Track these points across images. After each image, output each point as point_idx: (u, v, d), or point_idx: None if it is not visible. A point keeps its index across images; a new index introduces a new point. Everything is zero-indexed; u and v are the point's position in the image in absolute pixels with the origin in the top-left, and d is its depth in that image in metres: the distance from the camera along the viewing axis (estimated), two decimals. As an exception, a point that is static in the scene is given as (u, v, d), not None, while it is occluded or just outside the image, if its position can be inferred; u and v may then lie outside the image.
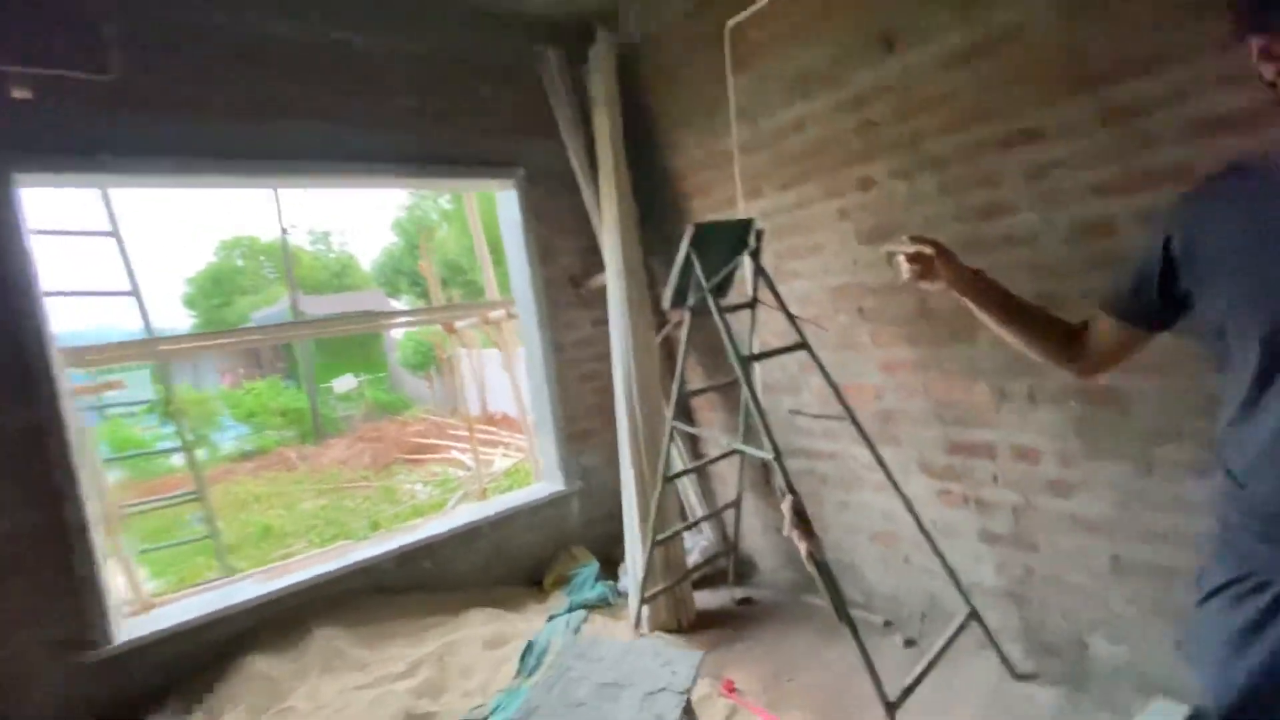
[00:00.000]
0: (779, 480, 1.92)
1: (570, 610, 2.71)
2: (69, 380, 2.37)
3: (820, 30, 2.34)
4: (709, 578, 3.03)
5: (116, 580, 2.65)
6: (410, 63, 2.85)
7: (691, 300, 2.18)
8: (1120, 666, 1.91)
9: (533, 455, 4.71)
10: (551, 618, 2.67)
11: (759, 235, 2.31)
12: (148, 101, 2.26)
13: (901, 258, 1.21)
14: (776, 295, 2.26)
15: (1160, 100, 1.62)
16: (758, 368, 2.82)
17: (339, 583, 2.65)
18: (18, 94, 2.03)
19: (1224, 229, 0.85)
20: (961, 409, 2.19)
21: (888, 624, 2.51)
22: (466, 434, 10.18)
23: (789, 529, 1.84)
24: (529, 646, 2.44)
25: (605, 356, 3.47)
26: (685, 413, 3.31)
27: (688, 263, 2.11)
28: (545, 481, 3.45)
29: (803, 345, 2.22)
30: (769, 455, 1.94)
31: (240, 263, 29.23)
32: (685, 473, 2.55)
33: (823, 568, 1.81)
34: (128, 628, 2.30)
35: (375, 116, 2.76)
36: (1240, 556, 0.86)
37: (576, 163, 3.24)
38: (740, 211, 2.78)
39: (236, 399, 13.23)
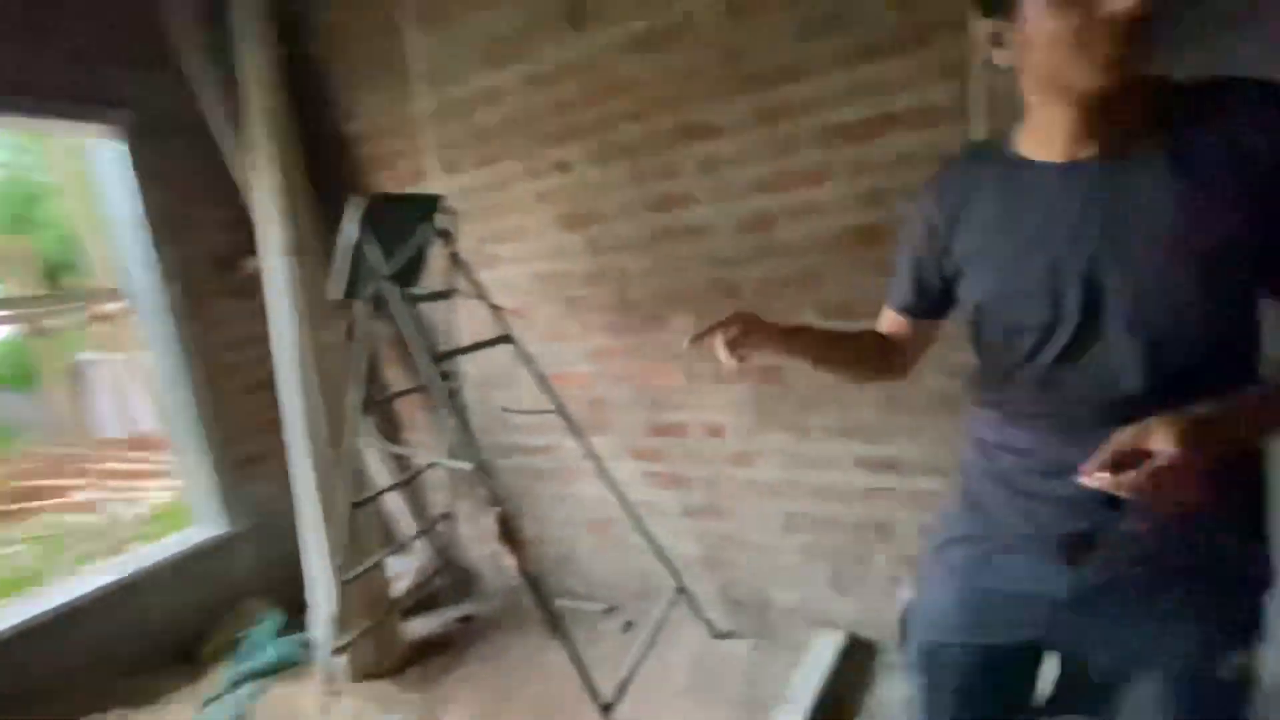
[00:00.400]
0: (485, 492, 1.71)
1: (235, 685, 2.14)
2: None
3: (507, -6, 2.15)
4: (426, 601, 2.71)
5: None
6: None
7: (369, 289, 1.82)
8: (794, 609, 2.18)
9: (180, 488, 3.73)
10: (207, 701, 2.07)
11: (450, 214, 2.04)
12: None
13: (721, 351, 0.97)
14: (475, 283, 2.03)
15: (803, 106, 1.81)
16: (469, 363, 2.56)
17: None
18: None
19: (977, 217, 0.85)
20: (661, 392, 2.26)
21: (609, 610, 2.52)
22: (102, 467, 7.84)
23: (495, 544, 1.66)
24: (167, 754, 1.84)
25: (278, 359, 2.85)
26: (387, 421, 2.90)
27: (358, 244, 1.74)
28: (199, 524, 2.70)
29: (507, 338, 2.04)
30: (468, 466, 1.72)
31: None
32: (375, 496, 2.19)
33: (531, 579, 1.67)
34: None
35: None
36: (984, 518, 0.91)
37: (213, 111, 2.53)
38: (435, 187, 2.46)
39: None
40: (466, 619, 2.61)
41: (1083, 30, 0.66)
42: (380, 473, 2.67)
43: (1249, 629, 0.81)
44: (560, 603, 2.56)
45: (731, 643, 2.23)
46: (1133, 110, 0.72)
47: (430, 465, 2.28)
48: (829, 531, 2.06)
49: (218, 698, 2.09)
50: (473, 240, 2.40)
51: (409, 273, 2.04)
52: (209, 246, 2.63)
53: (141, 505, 5.32)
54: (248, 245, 2.69)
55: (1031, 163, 0.79)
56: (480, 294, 2.03)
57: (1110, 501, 0.68)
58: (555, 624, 1.68)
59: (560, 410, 2.08)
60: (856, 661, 1.99)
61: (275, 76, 2.48)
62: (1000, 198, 0.82)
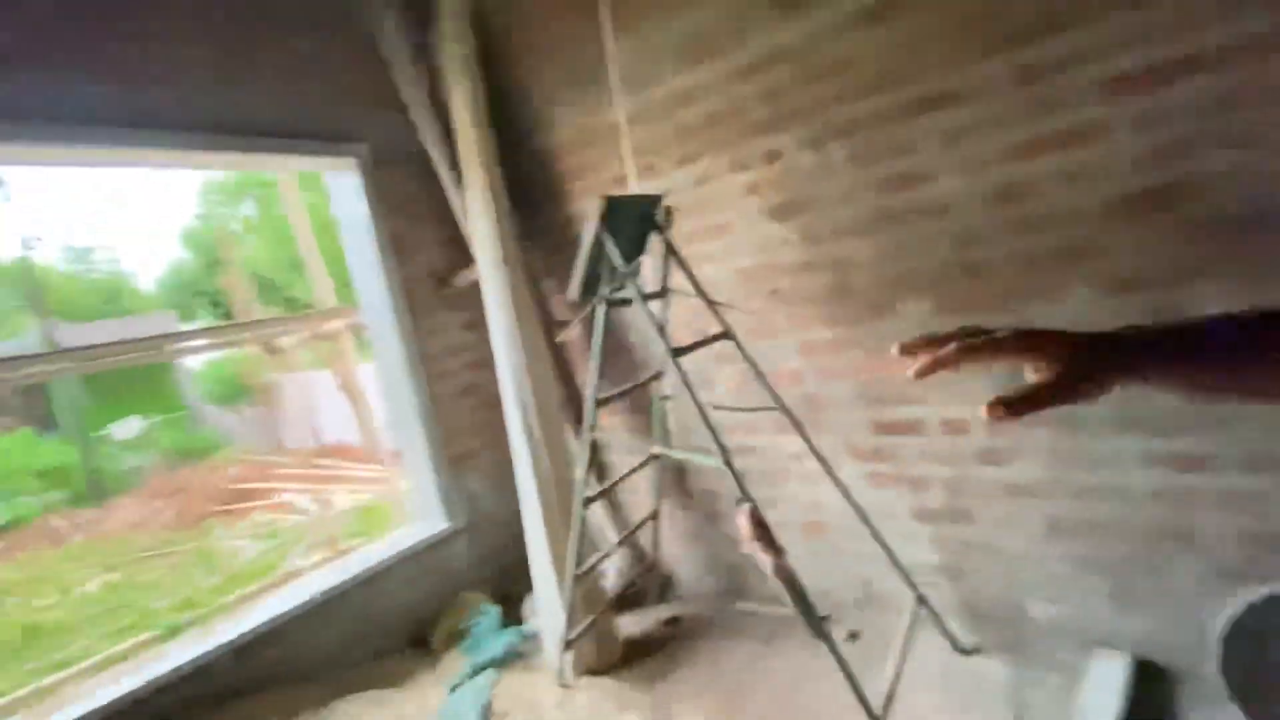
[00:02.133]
0: (734, 488, 1.67)
1: (474, 673, 2.25)
2: None
3: (712, -12, 2.14)
4: (627, 601, 2.73)
5: None
6: (203, 2, 2.19)
7: (605, 289, 1.85)
8: (1059, 626, 1.94)
9: (392, 490, 4.06)
10: (453, 688, 2.19)
11: (668, 212, 2.05)
12: None
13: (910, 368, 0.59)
14: (694, 281, 2.01)
15: (1070, 59, 1.61)
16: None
17: (160, 697, 1.95)
18: None
19: None
20: (885, 387, 2.11)
21: (825, 619, 2.39)
22: (299, 472, 8.87)
23: (749, 542, 1.60)
24: (432, 733, 1.96)
25: (483, 364, 3.02)
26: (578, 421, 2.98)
27: (599, 244, 1.78)
28: (422, 521, 2.90)
29: (727, 334, 2.00)
30: (717, 461, 1.68)
31: (-40, 290, 23.23)
32: (608, 490, 2.22)
33: (791, 581, 1.59)
34: None
35: (160, 69, 2.07)
36: None
37: (429, 137, 2.74)
38: (633, 191, 2.50)
39: (-32, 463, 10.28)
40: (673, 621, 2.59)
41: None
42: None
43: None
44: (772, 609, 2.47)
45: (979, 659, 2.02)
46: None
47: (651, 459, 2.28)
48: (1108, 538, 1.80)
49: (460, 684, 2.20)
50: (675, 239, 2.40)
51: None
52: (427, 263, 2.84)
53: (339, 506, 5.90)
54: (459, 261, 2.90)
55: None
56: (700, 291, 2.01)
57: None
58: (819, 630, 1.59)
59: (783, 408, 2.00)
60: (1153, 690, 1.72)
61: (480, 105, 2.66)
62: None
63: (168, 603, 4.60)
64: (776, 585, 1.61)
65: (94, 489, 10.43)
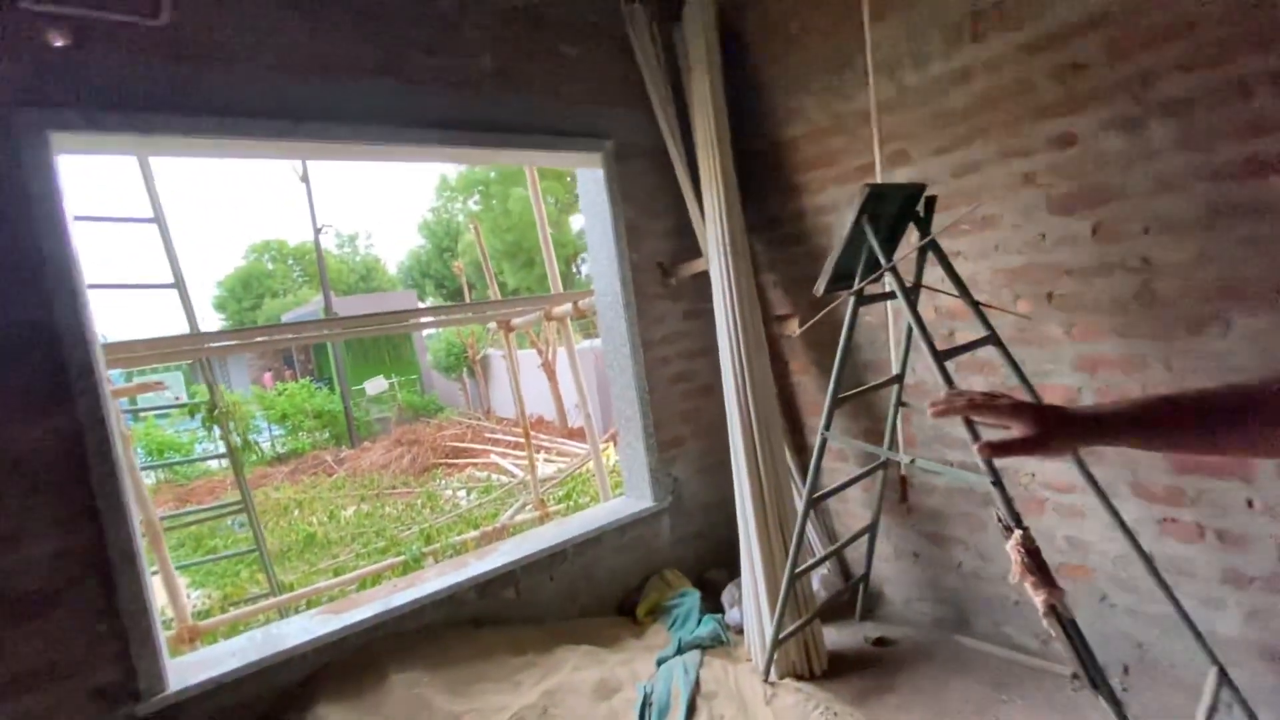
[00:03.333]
0: (999, 512, 1.50)
1: (680, 651, 2.32)
2: (110, 382, 2.04)
3: (1001, -45, 1.93)
4: (830, 612, 2.61)
5: (157, 600, 2.32)
6: (487, 18, 2.49)
7: (859, 281, 1.77)
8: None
9: (598, 467, 4.35)
10: (660, 660, 2.28)
11: (930, 203, 1.90)
12: (197, 51, 1.92)
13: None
14: (956, 277, 1.84)
15: None
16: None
17: (415, 616, 2.29)
18: (56, 40, 1.70)
19: None
20: (1197, 417, 1.75)
21: (1075, 676, 2.07)
22: (503, 437, 9.91)
23: (1018, 575, 1.43)
24: (645, 700, 2.05)
25: (696, 354, 3.09)
26: (791, 424, 2.91)
27: (859, 234, 1.70)
28: (631, 496, 3.06)
29: (992, 339, 1.80)
30: (987, 480, 1.52)
31: (270, 265, 29.53)
32: (834, 491, 2.14)
33: (1068, 624, 1.39)
34: (179, 672, 1.96)
35: (451, 78, 2.40)
36: None
37: (668, 133, 2.85)
38: (879, 181, 2.36)
39: (270, 401, 13.09)
40: (882, 642, 2.43)
41: None
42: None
43: None
44: (1003, 651, 2.21)
45: (1311, 772, 1.60)
46: None
47: (878, 466, 2.16)
48: None
49: (667, 658, 2.28)
50: (915, 235, 2.23)
51: (871, 267, 1.95)
52: (654, 253, 2.97)
53: (541, 472, 6.47)
54: (683, 252, 2.98)
55: None
56: (963, 290, 1.83)
57: None
58: (1100, 682, 1.37)
59: (1055, 426, 1.75)
60: None
61: (718, 100, 2.70)
62: None
63: (408, 534, 5.42)
64: (1048, 626, 1.41)
65: (351, 433, 12.64)
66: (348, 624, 2.17)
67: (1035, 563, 1.42)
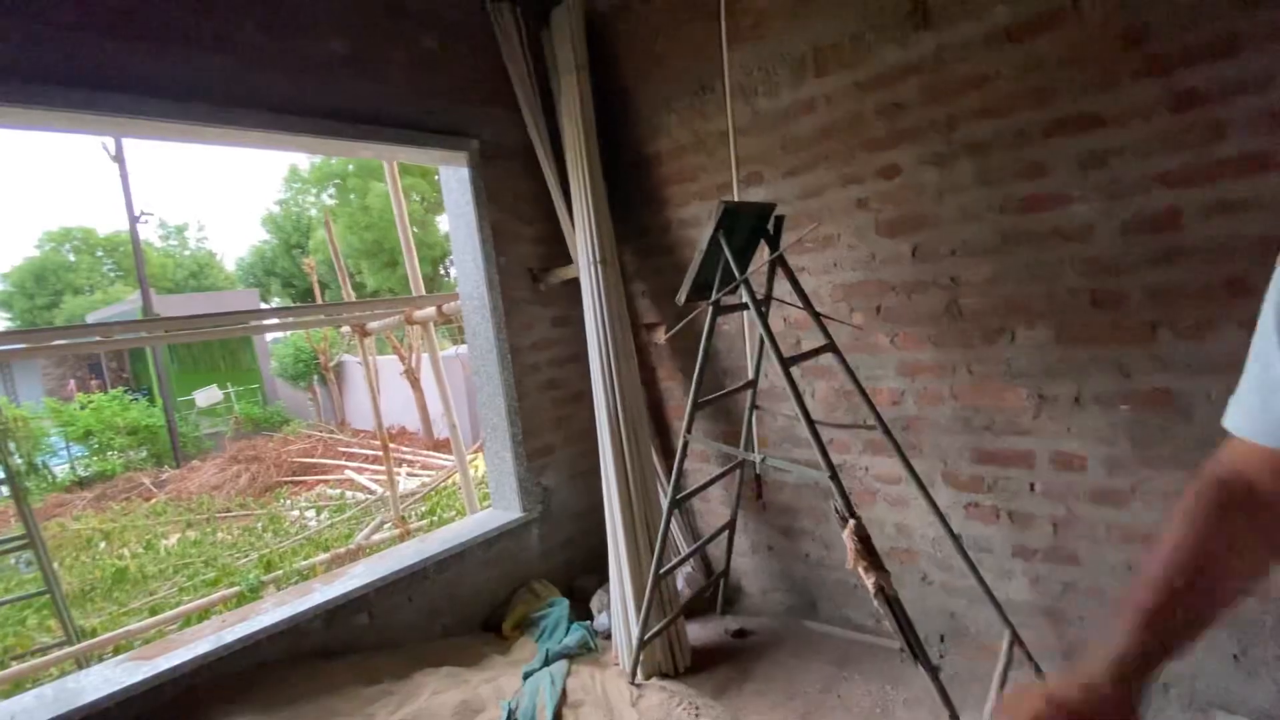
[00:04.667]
0: (837, 504, 1.64)
1: (547, 662, 2.28)
2: None
3: (838, 1, 2.13)
4: (693, 608, 2.71)
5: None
6: (341, 0, 2.32)
7: (716, 294, 1.86)
8: (1170, 683, 1.82)
9: (464, 480, 4.18)
10: (527, 674, 2.23)
11: (779, 222, 2.04)
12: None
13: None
14: (801, 292, 2.00)
15: (1234, 87, 1.53)
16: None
17: (248, 654, 2.05)
18: None
19: None
20: (993, 415, 2.04)
21: (902, 650, 2.32)
22: (360, 451, 9.21)
23: (852, 561, 1.57)
24: (509, 717, 1.99)
25: (566, 361, 3.08)
26: (658, 427, 2.99)
27: (715, 247, 1.79)
28: (498, 508, 2.97)
29: (831, 347, 1.98)
30: (824, 474, 1.66)
31: (72, 258, 25.28)
32: (695, 492, 2.22)
33: (894, 603, 1.55)
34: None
35: (298, 60, 2.21)
36: None
37: (537, 137, 2.83)
38: (735, 199, 2.51)
39: (70, 415, 11.12)
40: (741, 633, 2.57)
41: None
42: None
43: None
44: (846, 632, 2.42)
45: (1077, 711, 1.92)
46: None
47: (735, 466, 2.27)
48: (1237, 596, 1.69)
49: (533, 671, 2.24)
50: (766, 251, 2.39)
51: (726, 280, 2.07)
52: (523, 258, 2.92)
53: (402, 487, 6.09)
54: (553, 258, 2.97)
55: None
56: (806, 303, 1.99)
57: None
58: (923, 656, 1.55)
59: (883, 427, 1.96)
60: (1281, 765, 1.60)
61: (587, 108, 2.73)
62: None
63: (245, 561, 4.84)
64: (878, 606, 1.57)
65: (176, 450, 11.10)
66: (161, 669, 1.90)
67: (866, 549, 1.57)
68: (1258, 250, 1.56)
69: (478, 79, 2.75)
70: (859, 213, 2.21)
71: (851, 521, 1.59)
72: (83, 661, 3.27)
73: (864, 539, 1.57)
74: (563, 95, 2.78)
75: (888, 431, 1.97)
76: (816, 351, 1.96)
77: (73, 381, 16.38)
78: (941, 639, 2.26)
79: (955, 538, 1.95)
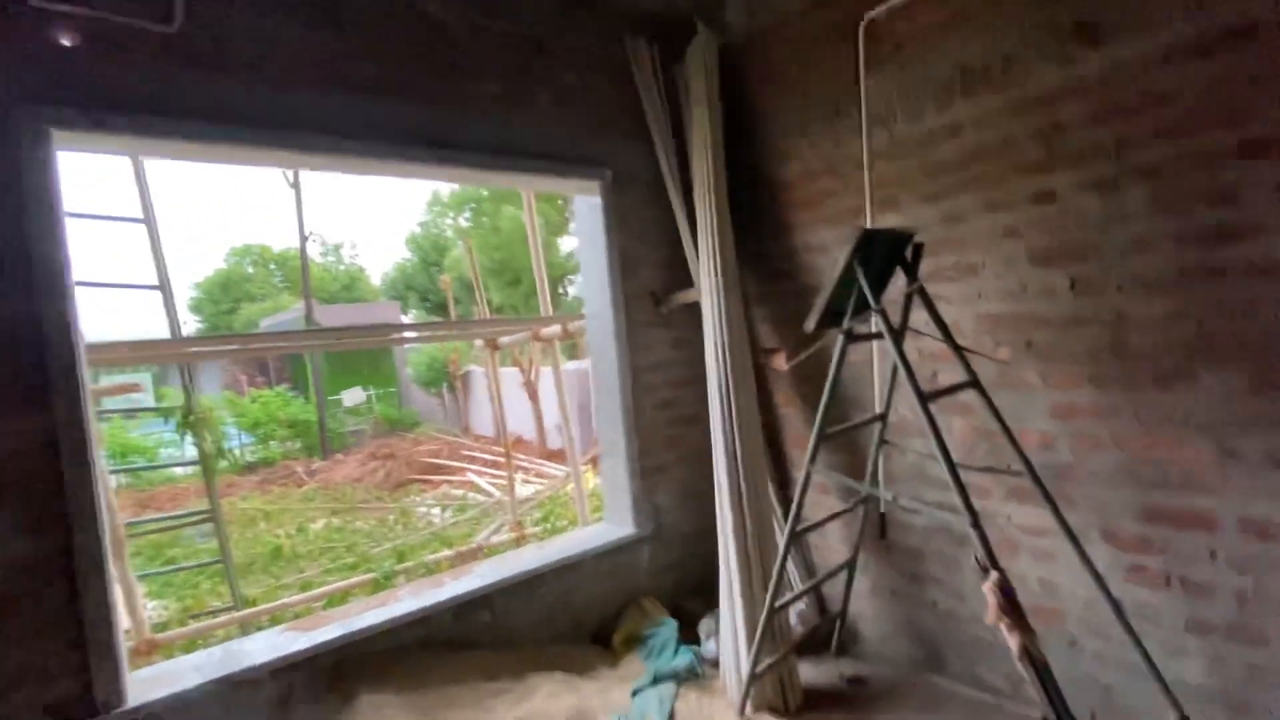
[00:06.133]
0: (977, 553, 1.54)
1: (655, 682, 2.30)
2: (90, 383, 2.01)
3: (990, 20, 2.04)
4: (806, 647, 2.62)
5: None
6: (495, 43, 2.54)
7: (849, 322, 1.82)
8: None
9: (578, 491, 4.33)
10: (635, 691, 2.26)
11: (918, 250, 1.97)
12: (207, 59, 1.94)
13: None
14: (941, 322, 1.91)
15: None
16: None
17: (387, 637, 2.25)
18: (65, 39, 1.71)
19: None
20: (1166, 468, 1.82)
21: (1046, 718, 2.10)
22: (481, 455, 9.79)
23: (994, 616, 1.46)
24: (619, 730, 2.03)
25: (683, 383, 3.12)
26: (776, 457, 2.95)
27: (850, 274, 1.76)
28: (612, 523, 3.05)
29: (974, 383, 1.86)
30: (964, 518, 1.56)
31: (250, 270, 29.16)
32: (817, 525, 2.17)
33: (1042, 668, 1.42)
34: (139, 687, 1.90)
35: (458, 100, 2.45)
36: None
37: (666, 166, 2.92)
38: (868, 225, 2.44)
39: (242, 408, 12.81)
40: (858, 680, 2.44)
41: None
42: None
43: None
44: (976, 693, 2.23)
45: (1270, 823, 1.64)
46: None
47: (860, 502, 2.19)
48: None
49: (642, 689, 2.26)
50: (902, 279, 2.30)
51: (860, 308, 2.01)
52: (646, 281, 3.01)
53: (519, 493, 6.41)
54: (675, 282, 3.03)
55: None
56: (947, 335, 1.89)
57: None
58: (1070, 729, 1.40)
59: (1032, 473, 1.81)
60: None
61: (716, 136, 2.77)
62: None
63: (379, 550, 5.31)
64: (1021, 668, 1.44)
65: (324, 444, 12.41)
66: (317, 642, 2.13)
67: (1011, 604, 1.45)
68: None
69: (613, 111, 2.90)
70: (1007, 241, 2.07)
71: (994, 574, 1.48)
72: (246, 627, 3.72)
73: (1008, 593, 1.46)
74: (694, 125, 2.85)
75: (1036, 478, 1.81)
76: (958, 388, 1.86)
77: (244, 376, 18.80)
78: (1093, 716, 2.02)
79: (1115, 603, 1.75)
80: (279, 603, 3.93)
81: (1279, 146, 1.55)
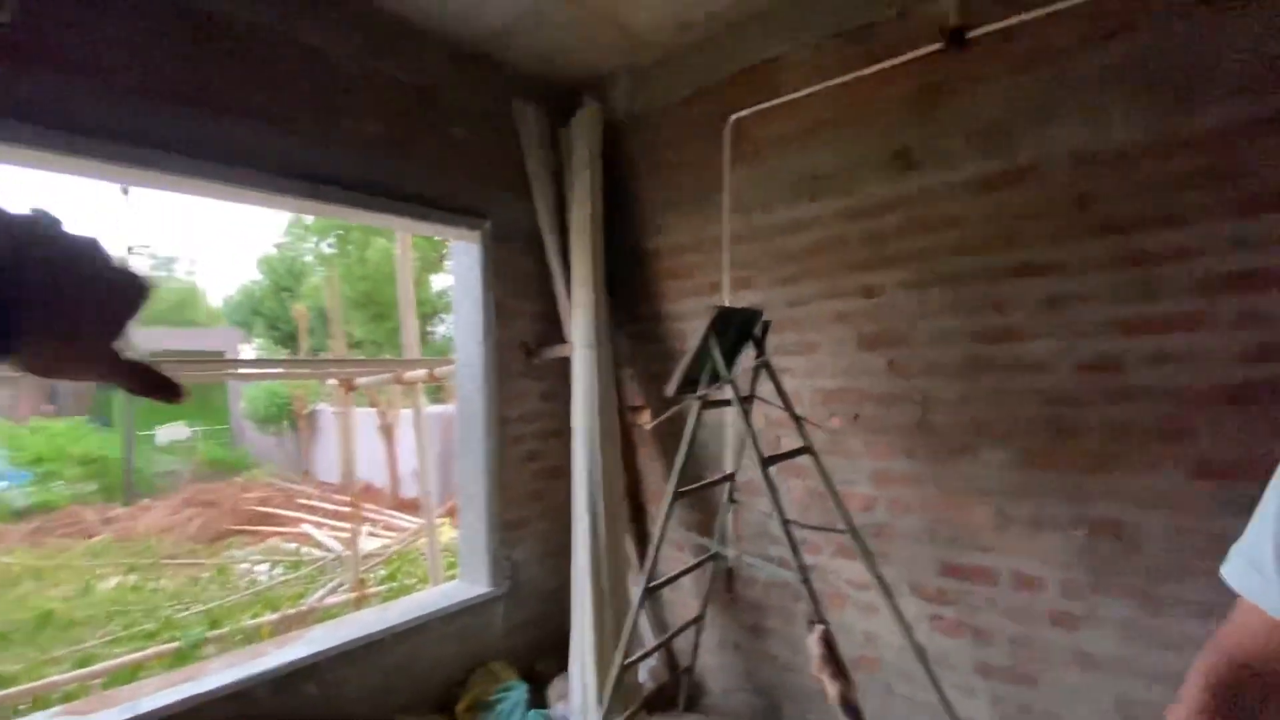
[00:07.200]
0: (807, 608, 1.69)
1: (500, 750, 2.21)
2: None
3: (833, 139, 2.38)
4: (654, 703, 2.65)
5: None
6: (383, 87, 2.53)
7: (704, 390, 1.97)
8: (1125, 820, 1.82)
9: (431, 545, 4.10)
10: (477, 761, 2.15)
11: (766, 327, 2.19)
12: (44, 61, 1.74)
13: None
14: (783, 394, 2.12)
15: (1175, 254, 1.74)
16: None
17: (190, 718, 1.96)
18: None
19: None
20: (959, 529, 2.13)
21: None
22: (321, 505, 8.93)
23: (817, 667, 1.60)
24: (456, 807, 1.91)
25: (550, 435, 3.14)
26: (636, 514, 3.03)
27: (705, 347, 1.92)
28: (466, 579, 2.93)
29: (809, 449, 2.08)
30: (795, 576, 1.71)
31: (53, 278, 24.93)
32: (669, 581, 2.24)
33: (855, 713, 1.57)
34: None
35: (338, 136, 2.38)
36: None
37: (546, 224, 3.02)
38: (726, 301, 2.67)
39: (20, 438, 10.69)
40: (701, 734, 2.50)
41: None
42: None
43: None
44: (808, 741, 2.37)
45: (1034, 843, 1.89)
46: None
47: (708, 559, 2.30)
48: (1186, 732, 1.73)
49: (484, 760, 2.16)
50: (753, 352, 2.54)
51: (713, 379, 2.18)
52: (520, 333, 3.03)
53: (363, 547, 5.90)
54: (548, 336, 3.09)
55: None
56: (787, 404, 2.11)
57: None
58: (879, 770, 1.55)
59: (853, 532, 2.03)
60: None
61: (596, 201, 2.93)
62: None
63: (187, 614, 4.60)
64: (838, 715, 1.58)
65: (128, 486, 10.65)
66: (99, 728, 1.81)
67: (831, 655, 1.60)
68: (1190, 400, 1.72)
69: (498, 167, 2.96)
70: (840, 325, 2.37)
71: (820, 626, 1.63)
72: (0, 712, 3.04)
73: (829, 644, 1.61)
74: (575, 187, 2.99)
75: (857, 536, 2.04)
76: (795, 453, 2.06)
77: (28, 402, 15.80)
78: (902, 755, 2.24)
79: (919, 649, 1.98)
80: (44, 681, 3.26)
81: (1040, 269, 1.96)
